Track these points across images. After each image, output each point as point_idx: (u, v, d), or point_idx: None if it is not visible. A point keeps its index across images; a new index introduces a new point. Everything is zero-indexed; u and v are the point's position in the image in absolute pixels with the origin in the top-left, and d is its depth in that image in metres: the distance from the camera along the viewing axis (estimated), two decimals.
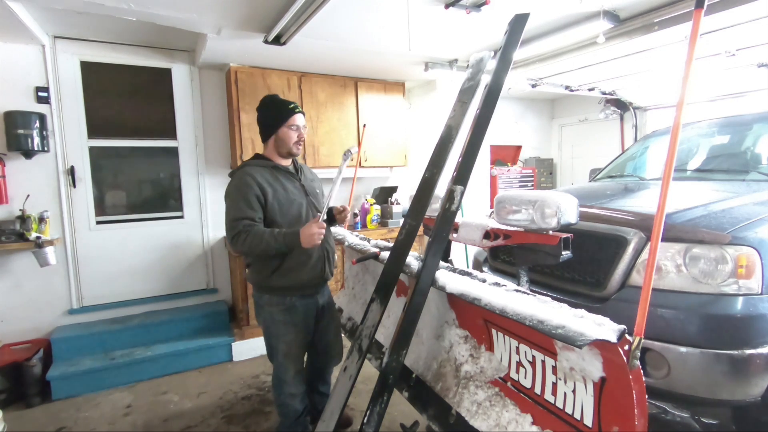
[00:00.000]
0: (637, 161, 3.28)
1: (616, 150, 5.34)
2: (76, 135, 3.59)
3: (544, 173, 6.06)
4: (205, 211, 4.15)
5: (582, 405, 1.21)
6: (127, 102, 3.87)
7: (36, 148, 3.32)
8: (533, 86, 4.52)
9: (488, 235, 1.87)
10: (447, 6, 2.73)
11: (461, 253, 4.54)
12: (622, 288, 1.87)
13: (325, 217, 2.02)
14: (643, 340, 1.07)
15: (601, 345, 1.11)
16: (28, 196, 3.39)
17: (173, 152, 4.01)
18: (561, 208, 1.59)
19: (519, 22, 1.84)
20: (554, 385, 1.30)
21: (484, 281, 1.58)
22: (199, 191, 4.12)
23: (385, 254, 2.06)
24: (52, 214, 3.48)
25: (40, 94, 3.42)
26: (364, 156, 4.46)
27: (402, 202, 4.76)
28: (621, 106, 5.30)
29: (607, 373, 1.13)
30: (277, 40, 3.16)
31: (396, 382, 1.67)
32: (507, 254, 2.49)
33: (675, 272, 1.75)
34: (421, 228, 2.05)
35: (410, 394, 1.79)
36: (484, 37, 3.41)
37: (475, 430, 1.43)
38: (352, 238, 2.59)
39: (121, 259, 3.80)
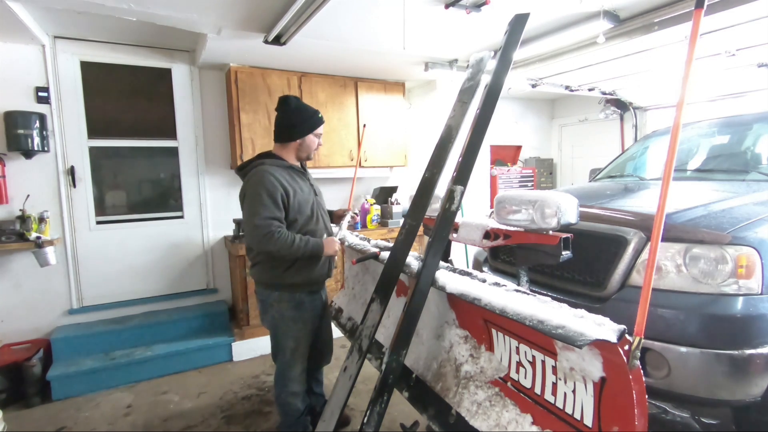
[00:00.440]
0: (637, 161, 3.28)
1: (616, 150, 5.34)
2: (76, 135, 3.59)
3: (544, 173, 6.06)
4: (205, 211, 4.15)
5: (582, 405, 1.21)
6: (127, 102, 3.87)
7: (36, 148, 3.32)
8: (533, 86, 4.52)
9: (488, 235, 1.87)
10: (447, 6, 2.73)
11: (461, 253, 4.54)
12: (622, 288, 1.87)
13: (341, 237, 2.24)
14: (643, 340, 1.07)
15: (601, 345, 1.11)
16: (28, 196, 3.39)
17: (173, 152, 4.01)
18: (561, 208, 1.59)
19: (519, 22, 1.84)
20: (554, 385, 1.30)
21: (484, 281, 1.58)
22: (199, 191, 4.12)
23: (385, 254, 2.06)
24: (52, 214, 3.48)
25: (40, 94, 3.42)
26: (364, 156, 4.46)
27: (402, 202, 4.76)
28: (621, 106, 5.30)
29: (607, 373, 1.13)
30: (277, 40, 3.16)
31: (396, 382, 1.67)
32: (507, 254, 2.49)
33: (675, 272, 1.75)
34: (421, 228, 2.05)
35: (410, 394, 1.79)
36: (484, 37, 3.41)
37: (475, 430, 1.43)
38: (352, 238, 2.59)
39: (121, 259, 3.80)
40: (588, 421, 1.18)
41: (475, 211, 4.47)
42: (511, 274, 2.32)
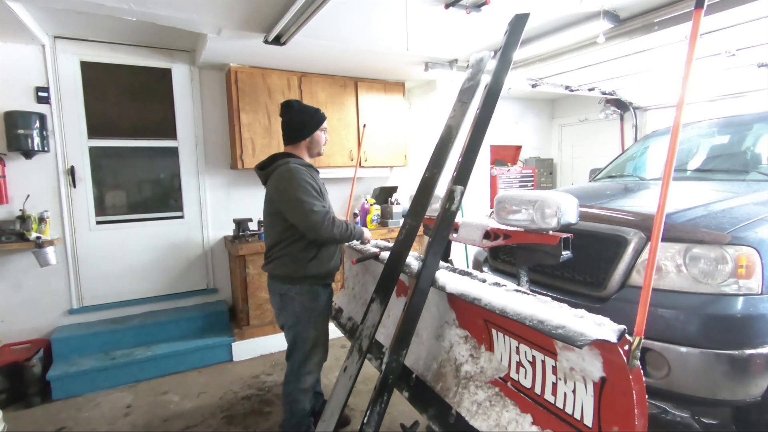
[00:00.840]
0: (637, 161, 3.28)
1: (616, 150, 5.34)
2: (76, 135, 3.59)
3: (544, 173, 6.06)
4: (205, 211, 4.15)
5: (582, 405, 1.21)
6: (127, 102, 3.87)
7: (36, 148, 3.32)
8: (533, 86, 4.52)
9: (488, 235, 1.87)
10: (447, 6, 2.73)
11: (461, 253, 4.54)
12: (622, 288, 1.87)
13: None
14: (643, 340, 1.07)
15: (601, 345, 1.11)
16: (28, 196, 3.39)
17: (173, 152, 4.01)
18: (561, 208, 1.59)
19: (519, 22, 1.84)
20: (554, 385, 1.30)
21: (484, 281, 1.59)
22: (199, 191, 4.12)
23: (385, 254, 2.06)
24: (52, 214, 3.48)
25: (40, 94, 3.42)
26: (364, 156, 4.46)
27: (402, 202, 4.76)
28: (621, 106, 5.30)
29: (607, 373, 1.13)
30: (277, 40, 3.16)
31: (396, 382, 1.67)
32: (507, 254, 2.49)
33: (675, 272, 1.75)
34: (421, 228, 2.05)
35: (410, 394, 1.79)
36: (484, 37, 3.41)
37: (475, 430, 1.43)
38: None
39: (121, 259, 3.80)
40: (588, 421, 1.18)
41: (475, 211, 4.47)
42: (511, 274, 2.32)
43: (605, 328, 1.07)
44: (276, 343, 3.75)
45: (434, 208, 1.96)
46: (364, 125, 4.22)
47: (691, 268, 1.73)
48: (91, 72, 3.65)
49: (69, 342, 3.35)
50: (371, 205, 4.55)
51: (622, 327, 1.06)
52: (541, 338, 1.32)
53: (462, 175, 1.76)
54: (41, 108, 3.41)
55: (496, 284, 1.53)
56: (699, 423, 1.81)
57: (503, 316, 1.30)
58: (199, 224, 4.14)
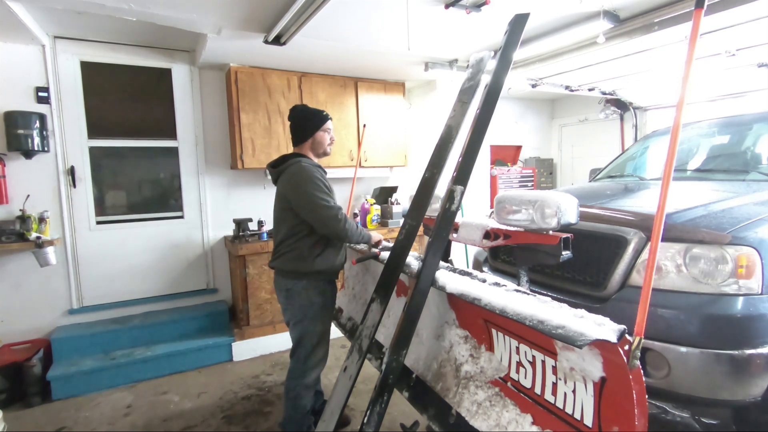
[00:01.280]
0: (637, 161, 3.28)
1: (616, 150, 5.34)
2: (76, 135, 3.59)
3: (544, 173, 6.06)
4: (205, 211, 4.15)
5: (582, 405, 1.21)
6: (127, 102, 3.87)
7: (36, 148, 3.32)
8: (533, 86, 4.52)
9: (488, 235, 1.87)
10: (447, 6, 2.73)
11: (461, 253, 4.54)
12: (622, 288, 1.87)
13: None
14: (643, 340, 1.07)
15: (601, 345, 1.11)
16: (28, 196, 3.39)
17: (173, 152, 4.01)
18: (561, 208, 1.59)
19: (519, 22, 1.84)
20: (554, 385, 1.30)
21: (484, 281, 1.58)
22: (199, 191, 4.12)
23: (385, 254, 2.06)
24: (52, 214, 3.48)
25: (40, 94, 3.42)
26: (364, 156, 4.46)
27: (402, 202, 4.76)
28: (621, 106, 5.30)
29: (607, 373, 1.13)
30: (277, 40, 3.16)
31: (396, 382, 1.67)
32: (507, 254, 2.49)
33: (675, 272, 1.75)
34: (421, 228, 2.05)
35: (410, 394, 1.79)
36: (484, 37, 3.41)
37: (475, 430, 1.43)
38: None
39: (121, 259, 3.80)
40: (588, 421, 1.18)
41: (475, 211, 4.47)
42: (511, 274, 2.32)
43: (605, 328, 1.06)
44: (276, 343, 3.75)
45: (434, 208, 1.96)
46: (364, 125, 4.22)
47: (691, 268, 1.73)
48: (91, 72, 3.65)
49: (69, 342, 3.35)
50: (371, 205, 4.55)
51: (622, 327, 1.06)
52: (541, 338, 1.32)
53: (462, 175, 1.76)
54: (41, 108, 3.41)
55: (496, 284, 1.53)
56: (699, 423, 1.81)
57: (503, 316, 1.30)
58: (199, 224, 4.14)
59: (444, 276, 1.68)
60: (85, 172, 3.64)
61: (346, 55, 3.73)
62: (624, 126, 5.50)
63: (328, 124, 2.35)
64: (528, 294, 1.40)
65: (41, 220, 3.36)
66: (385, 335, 2.14)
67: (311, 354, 2.23)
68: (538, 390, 1.36)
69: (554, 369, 1.30)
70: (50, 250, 3.26)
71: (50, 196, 3.50)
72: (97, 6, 2.59)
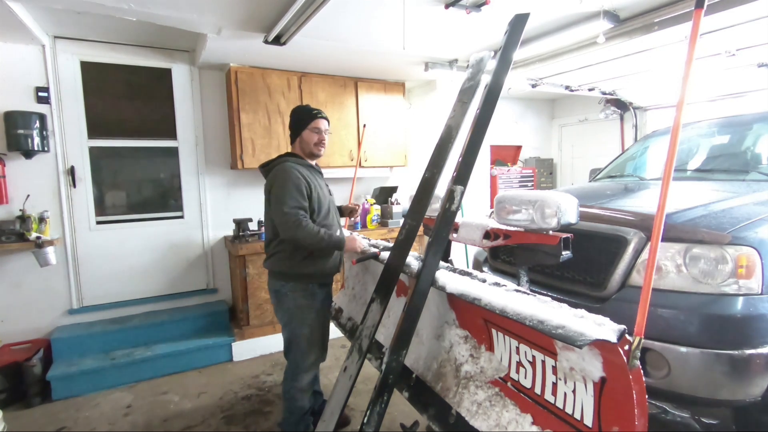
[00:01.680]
0: (637, 161, 3.28)
1: (616, 150, 5.34)
2: (76, 135, 3.59)
3: (544, 173, 6.06)
4: (205, 211, 4.15)
5: (582, 405, 1.20)
6: (127, 102, 3.87)
7: (36, 148, 3.32)
8: (533, 86, 4.52)
9: (488, 235, 1.87)
10: (447, 6, 2.73)
11: (461, 253, 4.54)
12: (622, 288, 1.87)
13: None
14: (643, 340, 1.07)
15: (601, 345, 1.11)
16: (28, 196, 3.39)
17: (173, 152, 4.01)
18: (561, 208, 1.59)
19: (519, 22, 1.84)
20: (554, 385, 1.30)
21: (484, 281, 1.58)
22: (199, 191, 4.12)
23: (385, 254, 2.06)
24: (52, 214, 3.48)
25: (40, 94, 3.42)
26: (364, 156, 4.46)
27: (402, 202, 4.76)
28: (621, 106, 5.30)
29: (607, 373, 1.13)
30: (277, 40, 3.16)
31: (396, 382, 1.67)
32: (507, 254, 2.49)
33: (675, 272, 1.75)
34: (421, 228, 2.05)
35: (410, 394, 1.79)
36: (484, 37, 3.41)
37: (475, 430, 1.43)
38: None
39: (121, 259, 3.80)
40: (588, 421, 1.18)
41: (475, 211, 4.47)
42: (511, 274, 2.32)
43: (605, 328, 1.06)
44: (276, 342, 3.75)
45: (434, 208, 1.96)
46: (364, 125, 4.22)
47: (691, 268, 1.73)
48: (91, 72, 3.65)
49: (69, 342, 3.35)
50: (371, 205, 4.55)
51: (622, 327, 1.05)
52: (541, 338, 1.32)
53: (462, 175, 1.76)
54: (41, 108, 3.41)
55: (496, 284, 1.53)
56: (699, 423, 1.81)
57: (503, 316, 1.30)
58: (199, 224, 4.14)
59: (444, 276, 1.68)
60: (85, 172, 3.64)
61: (346, 55, 3.73)
62: (624, 126, 5.50)
63: (317, 123, 2.26)
64: (528, 294, 1.39)
65: (41, 220, 3.36)
66: (385, 335, 2.14)
67: (301, 358, 2.22)
68: (538, 390, 1.36)
69: (554, 369, 1.30)
70: (50, 250, 3.26)
71: (50, 196, 3.50)
72: (97, 6, 2.59)
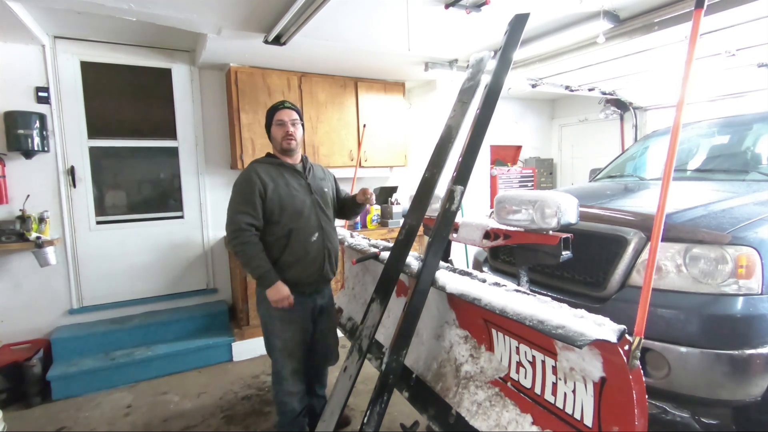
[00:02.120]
0: (637, 161, 3.28)
1: (616, 150, 5.34)
2: (76, 135, 3.58)
3: (544, 173, 6.06)
4: (205, 211, 4.14)
5: (582, 405, 1.21)
6: (127, 102, 3.87)
7: (36, 148, 3.32)
8: (533, 86, 4.52)
9: (488, 235, 1.87)
10: (447, 6, 2.73)
11: (461, 253, 4.53)
12: (622, 288, 1.86)
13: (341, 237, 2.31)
14: (643, 340, 1.07)
15: (601, 345, 1.11)
16: (28, 196, 3.39)
17: (173, 152, 4.01)
18: (561, 208, 1.59)
19: (519, 22, 1.84)
20: (554, 385, 1.30)
21: (484, 281, 1.58)
22: (199, 191, 4.12)
23: (385, 254, 2.06)
24: (52, 214, 3.48)
25: (40, 94, 3.41)
26: (364, 156, 4.46)
27: (402, 202, 4.76)
28: (621, 106, 5.30)
29: (607, 373, 1.13)
30: (277, 40, 3.16)
31: (396, 382, 1.67)
32: (507, 254, 2.49)
33: (675, 272, 1.75)
34: (421, 228, 2.05)
35: (410, 394, 1.79)
36: (484, 37, 3.41)
37: (475, 430, 1.43)
38: (351, 238, 2.59)
39: (121, 259, 3.80)
40: (588, 421, 1.18)
41: (475, 211, 4.46)
42: (511, 274, 2.32)
43: (605, 328, 1.06)
44: None
45: (434, 208, 1.96)
46: (364, 125, 4.22)
47: (691, 268, 1.73)
48: (91, 72, 3.65)
49: (69, 342, 3.35)
50: (371, 205, 4.54)
51: (622, 327, 1.06)
52: (541, 338, 1.32)
53: (462, 175, 1.76)
54: (41, 108, 3.41)
55: (496, 284, 1.53)
56: (699, 423, 1.81)
57: (503, 316, 1.30)
58: (199, 224, 4.13)
59: (444, 276, 1.68)
60: (85, 172, 3.64)
61: (346, 55, 3.73)
62: (624, 126, 5.50)
63: (278, 115, 2.15)
64: (528, 294, 1.40)
65: (41, 220, 3.36)
66: (385, 335, 2.14)
67: (279, 367, 2.16)
68: (538, 390, 1.36)
69: (554, 369, 1.30)
70: (50, 250, 3.26)
71: (50, 196, 3.50)
72: (97, 6, 2.59)
